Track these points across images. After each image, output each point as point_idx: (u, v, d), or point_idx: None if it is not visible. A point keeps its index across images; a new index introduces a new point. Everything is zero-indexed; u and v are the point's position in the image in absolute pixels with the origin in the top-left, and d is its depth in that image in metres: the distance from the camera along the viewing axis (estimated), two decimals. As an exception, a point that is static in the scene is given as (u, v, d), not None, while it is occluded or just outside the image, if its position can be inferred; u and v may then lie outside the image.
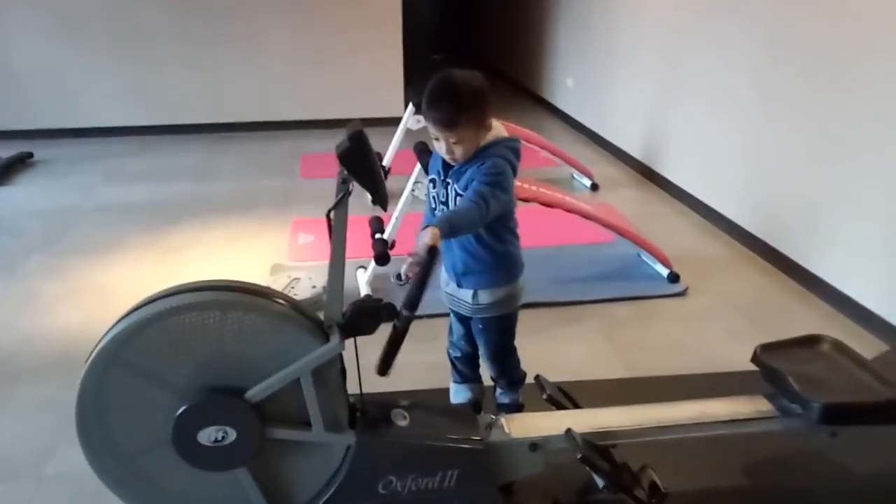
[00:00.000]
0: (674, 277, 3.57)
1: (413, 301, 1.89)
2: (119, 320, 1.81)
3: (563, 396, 2.26)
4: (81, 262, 3.90)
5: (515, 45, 8.47)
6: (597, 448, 1.99)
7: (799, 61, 3.54)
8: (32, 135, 6.24)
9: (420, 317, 1.92)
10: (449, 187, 2.12)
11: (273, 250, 4.04)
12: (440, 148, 2.08)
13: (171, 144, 6.23)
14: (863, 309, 3.20)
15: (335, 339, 1.83)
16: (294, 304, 1.89)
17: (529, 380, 2.41)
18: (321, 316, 1.89)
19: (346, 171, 1.84)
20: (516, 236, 2.25)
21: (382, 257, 3.33)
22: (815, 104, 3.44)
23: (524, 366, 2.45)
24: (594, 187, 5.05)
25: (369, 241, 3.51)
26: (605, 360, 2.97)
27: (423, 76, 2.20)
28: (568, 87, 6.85)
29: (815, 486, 2.33)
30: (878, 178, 3.08)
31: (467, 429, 2.01)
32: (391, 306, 1.90)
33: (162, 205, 4.80)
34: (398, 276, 2.11)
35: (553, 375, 2.40)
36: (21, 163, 5.65)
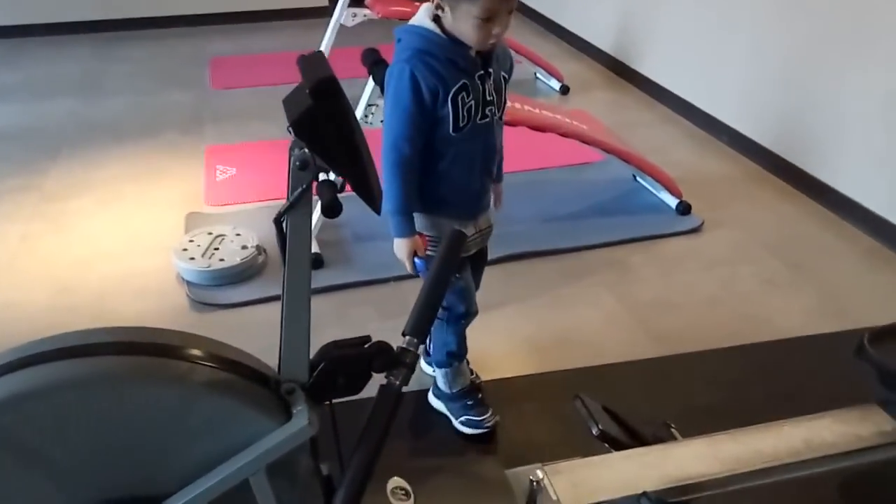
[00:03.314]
0: (685, 208, 2.97)
1: (425, 323, 1.22)
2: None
3: (616, 423, 1.64)
4: (-69, 220, 2.99)
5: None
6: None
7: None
8: None
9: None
10: (488, 81, 1.63)
11: (185, 192, 3.20)
12: (483, 31, 1.52)
13: (49, 49, 5.10)
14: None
15: (301, 414, 1.14)
16: (233, 359, 1.17)
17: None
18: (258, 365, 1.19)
19: (305, 151, 1.09)
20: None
21: (331, 207, 2.57)
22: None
23: (527, 339, 2.06)
24: (564, 90, 4.33)
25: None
26: (624, 328, 2.37)
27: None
28: (518, -33, 5.94)
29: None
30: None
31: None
32: (383, 349, 1.21)
33: (39, 132, 3.83)
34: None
35: (565, 357, 2.05)
36: None
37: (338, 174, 1.12)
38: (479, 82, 1.61)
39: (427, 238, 1.71)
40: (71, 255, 2.76)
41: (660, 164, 3.23)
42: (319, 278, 2.57)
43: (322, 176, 2.72)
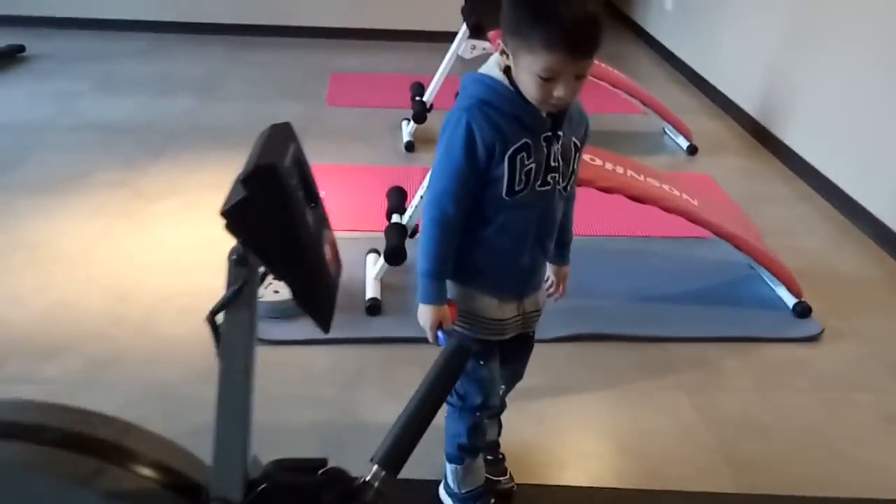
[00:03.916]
0: (803, 310, 2.54)
1: (400, 452, 1.00)
2: None
3: None
4: (27, 204, 3.07)
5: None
6: None
7: None
8: (29, 23, 5.36)
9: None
10: (555, 144, 1.39)
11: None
12: (543, 90, 1.29)
13: (184, 46, 5.27)
14: None
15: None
16: (160, 461, 0.98)
17: None
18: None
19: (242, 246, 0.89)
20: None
21: (396, 254, 2.39)
22: None
23: (580, 439, 1.80)
24: (691, 150, 3.94)
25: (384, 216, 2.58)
26: (698, 446, 2.02)
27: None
28: (666, 10, 5.58)
29: None
30: None
31: None
32: (340, 480, 0.99)
33: (151, 128, 3.91)
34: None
35: (621, 471, 1.81)
36: (10, 57, 4.80)
37: (277, 277, 0.90)
38: (544, 144, 1.37)
39: (458, 310, 1.48)
40: (139, 259, 2.73)
41: (786, 249, 2.84)
42: (372, 327, 2.39)
43: (395, 218, 2.50)
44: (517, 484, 1.81)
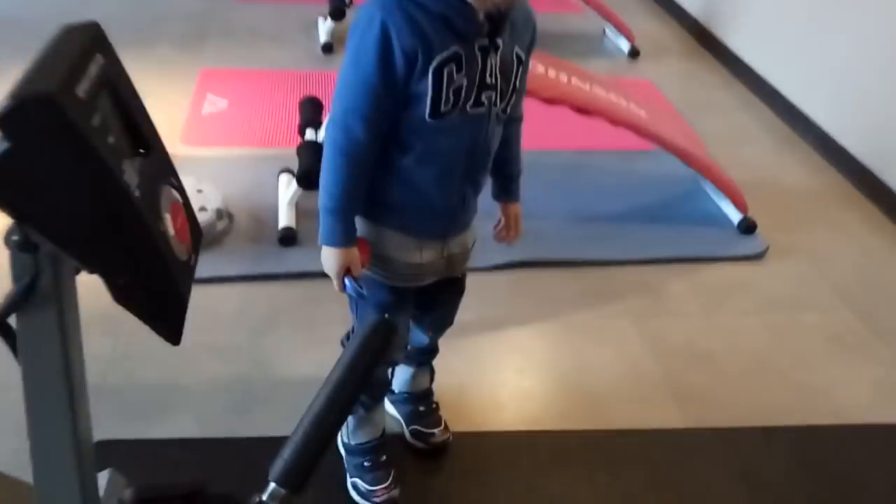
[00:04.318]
0: (748, 226, 2.42)
1: (303, 466, 0.79)
2: None
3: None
4: None
5: None
6: None
7: None
8: None
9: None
10: (493, 56, 1.14)
11: (161, 124, 2.73)
12: None
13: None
14: None
15: None
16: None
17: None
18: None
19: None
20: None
21: (310, 177, 2.10)
22: None
23: (520, 377, 1.72)
24: (633, 52, 3.71)
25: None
26: (644, 379, 1.89)
27: None
28: None
29: None
30: None
31: None
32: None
33: (18, 25, 3.40)
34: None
35: (564, 410, 1.72)
36: None
37: (86, 269, 0.64)
38: (479, 54, 1.11)
39: (370, 251, 1.26)
40: None
41: (728, 160, 2.69)
42: (286, 260, 2.13)
43: (309, 134, 2.19)
44: (452, 433, 1.65)
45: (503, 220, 1.42)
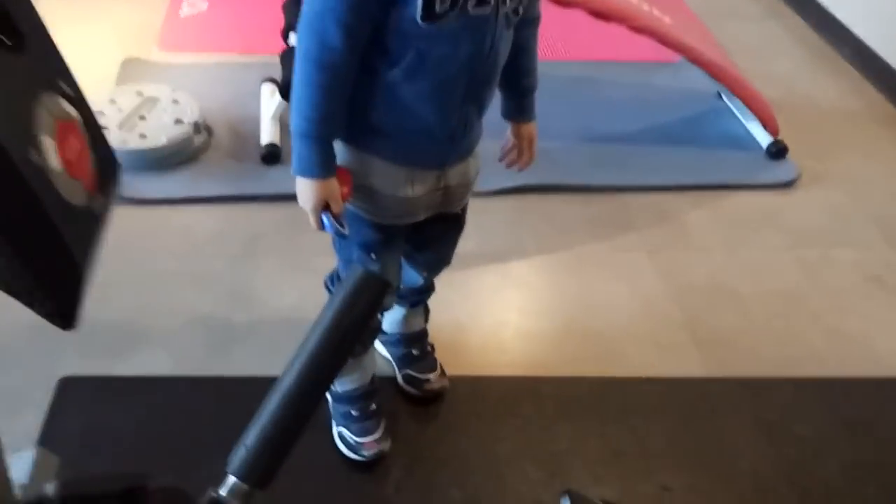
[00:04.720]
0: (778, 150, 2.20)
1: (268, 459, 0.62)
2: None
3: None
4: None
5: None
6: None
7: None
8: None
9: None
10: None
11: (137, 27, 2.50)
12: None
13: None
14: None
15: None
16: None
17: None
18: None
19: None
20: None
21: (289, 86, 1.87)
22: None
23: (522, 316, 1.63)
24: (651, -46, 3.37)
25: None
26: (661, 320, 1.72)
27: None
28: None
29: None
30: None
31: None
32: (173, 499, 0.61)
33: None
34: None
35: (570, 354, 1.57)
36: None
37: None
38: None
39: (352, 182, 1.06)
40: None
41: (754, 75, 2.43)
42: (269, 179, 1.94)
43: (294, 39, 1.93)
44: (450, 378, 1.48)
45: (514, 141, 1.21)
